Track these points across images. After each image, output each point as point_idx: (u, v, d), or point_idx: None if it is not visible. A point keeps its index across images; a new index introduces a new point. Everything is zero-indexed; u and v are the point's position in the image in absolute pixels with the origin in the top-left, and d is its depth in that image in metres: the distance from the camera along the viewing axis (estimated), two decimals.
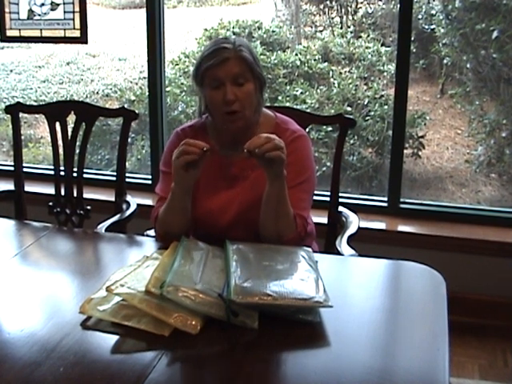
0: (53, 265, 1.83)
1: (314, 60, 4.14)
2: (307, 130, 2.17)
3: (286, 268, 1.53)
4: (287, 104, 3.89)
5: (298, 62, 4.12)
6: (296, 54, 4.18)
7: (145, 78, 3.85)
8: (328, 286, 1.46)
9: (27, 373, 1.23)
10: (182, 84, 4.24)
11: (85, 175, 2.45)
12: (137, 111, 2.40)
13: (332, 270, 1.73)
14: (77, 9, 3.10)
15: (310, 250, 1.67)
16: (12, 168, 2.51)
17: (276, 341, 1.35)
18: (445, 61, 3.94)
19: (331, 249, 2.04)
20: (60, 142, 2.44)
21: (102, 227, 2.12)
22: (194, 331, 1.34)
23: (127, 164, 2.43)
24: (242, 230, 1.78)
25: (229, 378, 1.25)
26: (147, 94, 3.30)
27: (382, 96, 3.96)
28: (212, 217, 1.85)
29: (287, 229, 1.74)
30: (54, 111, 2.44)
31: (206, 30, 4.42)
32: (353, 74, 4.08)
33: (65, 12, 3.12)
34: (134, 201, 2.37)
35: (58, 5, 3.12)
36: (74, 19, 3.11)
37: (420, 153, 3.90)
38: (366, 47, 4.15)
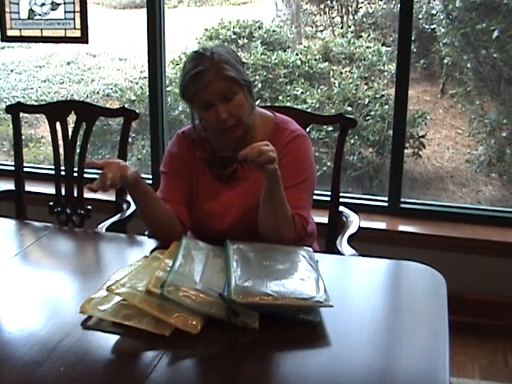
0: (53, 265, 1.83)
1: (315, 60, 4.14)
2: (308, 129, 2.17)
3: (287, 268, 1.53)
4: (288, 104, 3.89)
5: (299, 62, 4.12)
6: (296, 54, 4.18)
7: (145, 77, 3.85)
8: (328, 286, 1.46)
9: (28, 372, 1.23)
10: None
11: (85, 175, 2.44)
12: (137, 111, 2.39)
13: (332, 269, 1.73)
14: (77, 9, 3.10)
15: (310, 249, 1.67)
16: (12, 168, 2.51)
17: (276, 340, 1.35)
18: (445, 60, 3.94)
19: (332, 248, 2.03)
20: (60, 142, 2.44)
21: (102, 227, 2.12)
22: (195, 331, 1.34)
23: (128, 164, 2.42)
24: (242, 232, 1.77)
25: (229, 377, 1.25)
26: (148, 93, 3.29)
27: (383, 96, 3.96)
28: (212, 219, 1.85)
29: (286, 229, 1.74)
30: (55, 111, 2.44)
31: (206, 29, 4.42)
32: (353, 73, 4.08)
33: (65, 12, 3.12)
34: None
35: (59, 4, 3.12)
36: (74, 19, 3.11)
37: (420, 152, 3.90)
38: (367, 47, 4.15)
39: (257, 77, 4.01)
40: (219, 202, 1.85)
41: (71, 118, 2.42)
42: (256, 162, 1.61)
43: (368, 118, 3.90)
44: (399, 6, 2.85)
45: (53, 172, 2.47)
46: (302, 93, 3.98)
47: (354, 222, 2.12)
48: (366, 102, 3.93)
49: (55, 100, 4.39)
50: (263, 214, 1.74)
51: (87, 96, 4.73)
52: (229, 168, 1.78)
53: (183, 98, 1.84)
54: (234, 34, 4.31)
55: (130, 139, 2.47)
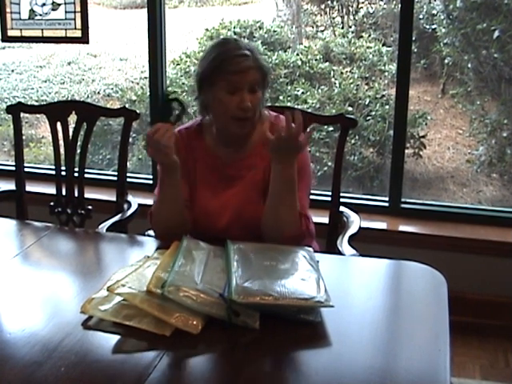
0: (54, 265, 1.83)
1: (315, 60, 4.14)
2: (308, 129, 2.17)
3: (287, 268, 1.53)
4: (288, 104, 3.89)
5: (299, 62, 4.12)
6: (297, 54, 4.18)
7: (146, 77, 3.86)
8: (329, 286, 1.46)
9: (28, 373, 1.23)
10: (183, 84, 4.25)
11: (86, 175, 2.44)
12: (138, 111, 2.39)
13: (333, 269, 1.73)
14: (78, 9, 3.10)
15: (311, 249, 1.67)
16: (13, 168, 2.51)
17: (277, 341, 1.35)
18: (446, 61, 3.94)
19: (332, 249, 2.03)
20: (61, 142, 2.44)
21: (103, 227, 2.12)
22: (195, 331, 1.34)
23: (128, 164, 2.43)
24: (240, 230, 1.78)
25: (230, 377, 1.25)
26: (148, 93, 3.30)
27: (383, 96, 3.96)
28: (210, 218, 1.85)
29: (291, 224, 1.74)
30: (55, 111, 2.44)
31: (207, 29, 4.42)
32: (354, 73, 4.08)
33: (66, 12, 3.12)
34: (135, 201, 2.37)
35: (59, 5, 3.12)
36: (75, 19, 3.11)
37: (421, 153, 3.90)
38: (367, 47, 4.15)
39: None
40: (217, 201, 1.85)
41: (72, 118, 2.42)
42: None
43: (369, 118, 3.90)
44: (400, 6, 2.85)
45: (53, 172, 2.47)
46: (302, 93, 3.99)
47: (355, 222, 2.11)
48: (366, 102, 3.93)
49: (56, 100, 4.40)
50: (270, 206, 1.74)
51: (88, 96, 4.73)
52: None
53: (203, 79, 1.80)
54: (235, 34, 4.32)
55: (130, 139, 2.47)
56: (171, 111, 1.72)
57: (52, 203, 2.46)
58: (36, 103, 4.10)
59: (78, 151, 2.43)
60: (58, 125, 2.43)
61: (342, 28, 4.42)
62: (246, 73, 1.74)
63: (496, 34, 3.45)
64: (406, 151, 3.12)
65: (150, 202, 2.98)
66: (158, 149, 1.68)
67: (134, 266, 1.58)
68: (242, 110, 1.75)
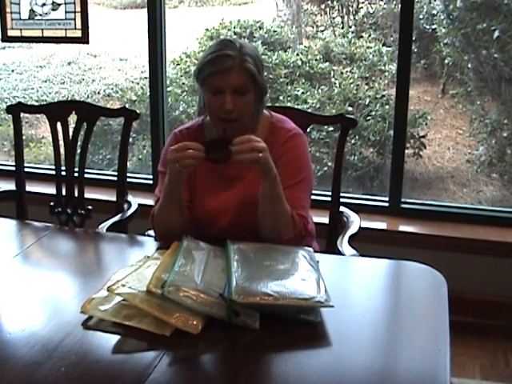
0: (54, 265, 1.83)
1: (315, 60, 4.14)
2: (308, 129, 2.17)
3: (287, 268, 1.53)
4: (288, 104, 3.89)
5: (299, 62, 4.12)
6: (297, 54, 4.18)
7: (146, 77, 3.85)
8: (329, 286, 1.46)
9: (28, 372, 1.24)
10: (184, 84, 4.25)
11: (86, 175, 2.44)
12: (138, 111, 2.39)
13: (333, 269, 1.73)
14: (78, 9, 3.10)
15: (311, 249, 1.67)
16: (13, 168, 2.51)
17: (277, 341, 1.35)
18: (446, 61, 3.94)
19: (332, 249, 2.03)
20: (61, 142, 2.44)
21: (103, 227, 2.12)
22: (195, 331, 1.34)
23: (128, 164, 2.43)
24: (240, 230, 1.78)
25: (230, 377, 1.25)
26: (148, 93, 3.30)
27: (383, 96, 3.96)
28: (210, 218, 1.85)
29: (285, 228, 1.74)
30: (56, 111, 2.44)
31: (207, 29, 4.42)
32: (354, 73, 4.08)
33: (66, 12, 3.12)
34: (135, 201, 2.37)
35: (60, 5, 3.13)
36: (75, 19, 3.11)
37: (421, 153, 3.90)
38: (367, 47, 4.15)
39: None
40: (216, 201, 1.85)
41: (72, 118, 2.42)
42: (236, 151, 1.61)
43: (369, 118, 3.90)
44: (400, 6, 2.85)
45: (53, 172, 2.47)
46: (302, 93, 3.98)
47: (355, 222, 2.11)
48: (366, 102, 3.93)
49: (56, 100, 4.40)
50: (262, 213, 1.75)
51: (88, 96, 4.73)
52: (223, 150, 1.75)
53: (196, 78, 1.82)
54: (235, 34, 4.31)
55: (130, 139, 2.47)
56: (220, 151, 1.70)
57: (52, 203, 2.46)
58: (36, 103, 4.10)
59: (78, 151, 2.43)
60: (58, 125, 2.43)
61: (342, 28, 4.41)
62: (228, 74, 1.72)
63: (496, 34, 3.45)
64: (406, 151, 3.12)
65: (149, 202, 2.99)
66: (177, 161, 1.65)
67: (133, 266, 1.58)
68: (224, 113, 1.75)
